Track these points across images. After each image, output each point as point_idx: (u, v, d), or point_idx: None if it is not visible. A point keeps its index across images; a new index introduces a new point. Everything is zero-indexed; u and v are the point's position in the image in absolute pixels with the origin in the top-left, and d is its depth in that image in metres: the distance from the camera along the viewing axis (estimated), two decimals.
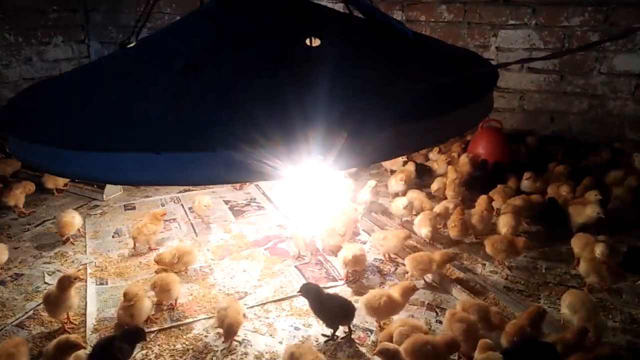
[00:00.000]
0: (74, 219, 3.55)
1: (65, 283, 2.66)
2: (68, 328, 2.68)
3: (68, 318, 2.73)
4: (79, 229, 3.64)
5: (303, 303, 2.82)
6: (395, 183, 4.18)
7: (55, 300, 2.63)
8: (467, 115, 2.19)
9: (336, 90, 1.62)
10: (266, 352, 2.50)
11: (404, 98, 1.84)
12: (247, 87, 1.71)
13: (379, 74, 1.89)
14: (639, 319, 2.74)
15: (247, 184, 4.62)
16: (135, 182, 2.17)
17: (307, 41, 1.93)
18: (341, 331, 2.62)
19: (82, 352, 2.30)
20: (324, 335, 2.62)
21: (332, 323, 2.60)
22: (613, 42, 5.03)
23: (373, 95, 1.75)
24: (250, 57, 1.91)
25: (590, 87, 5.30)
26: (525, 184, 4.17)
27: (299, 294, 2.69)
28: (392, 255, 3.33)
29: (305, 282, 3.02)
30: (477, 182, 4.21)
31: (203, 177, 1.59)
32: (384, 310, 2.62)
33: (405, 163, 4.57)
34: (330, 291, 3.00)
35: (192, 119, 1.54)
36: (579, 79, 5.32)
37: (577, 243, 3.22)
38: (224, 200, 4.32)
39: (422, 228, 3.45)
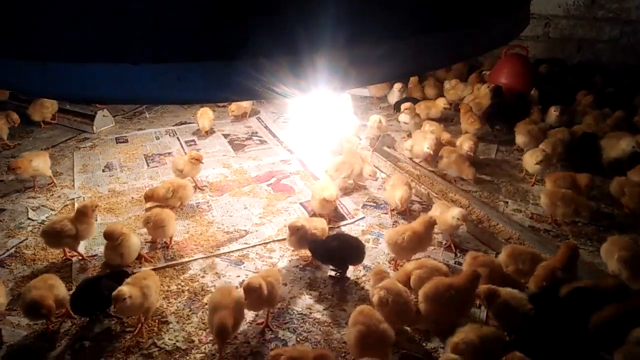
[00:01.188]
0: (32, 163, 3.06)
1: (86, 211, 2.52)
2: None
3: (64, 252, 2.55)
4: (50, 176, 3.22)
5: None
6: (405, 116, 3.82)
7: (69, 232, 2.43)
8: (494, 29, 1.87)
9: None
10: None
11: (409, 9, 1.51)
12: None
13: None
14: None
15: (248, 116, 4.30)
16: (109, 98, 1.87)
17: None
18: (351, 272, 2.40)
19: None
20: (331, 276, 2.39)
21: (342, 264, 2.36)
22: None
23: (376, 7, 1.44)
24: None
25: (624, 11, 4.80)
26: (553, 117, 3.80)
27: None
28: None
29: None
30: (497, 113, 3.84)
31: (190, 93, 1.40)
32: (408, 246, 2.36)
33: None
34: (341, 230, 2.76)
35: (176, 27, 1.26)
36: (612, 3, 4.81)
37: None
38: (223, 134, 4.00)
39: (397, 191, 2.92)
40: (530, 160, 3.13)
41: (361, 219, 2.86)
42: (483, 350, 1.75)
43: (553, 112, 3.79)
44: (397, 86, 4.37)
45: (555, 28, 5.12)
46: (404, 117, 3.82)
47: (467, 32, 1.67)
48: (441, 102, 4.04)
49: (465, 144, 3.31)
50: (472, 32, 1.69)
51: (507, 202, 3.00)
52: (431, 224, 2.39)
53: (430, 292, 2.02)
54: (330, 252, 2.33)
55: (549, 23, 5.11)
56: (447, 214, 2.51)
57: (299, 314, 2.18)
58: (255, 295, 1.98)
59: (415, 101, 4.07)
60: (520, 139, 3.55)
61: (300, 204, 3.02)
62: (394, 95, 4.38)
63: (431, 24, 1.50)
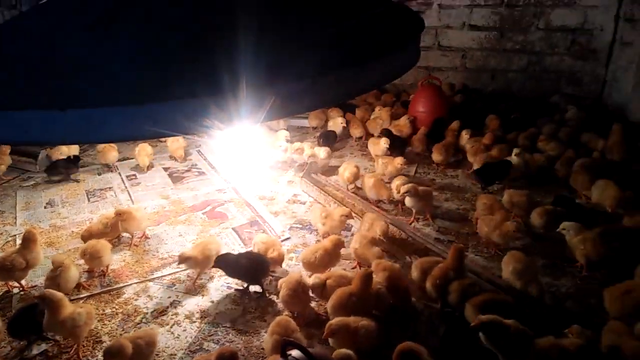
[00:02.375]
0: None
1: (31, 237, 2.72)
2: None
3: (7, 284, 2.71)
4: None
5: None
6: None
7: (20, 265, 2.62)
8: (389, 65, 2.24)
9: (261, 42, 1.61)
10: (197, 312, 2.51)
11: (325, 47, 1.86)
12: (168, 39, 1.68)
13: (300, 26, 1.90)
14: None
15: (189, 155, 4.55)
16: (39, 141, 2.10)
17: None
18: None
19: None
20: (255, 292, 2.65)
21: (250, 279, 2.63)
22: None
23: (295, 46, 1.76)
24: (170, 12, 1.86)
25: (529, 43, 5.39)
26: (464, 139, 4.24)
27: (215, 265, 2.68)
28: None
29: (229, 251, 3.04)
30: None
31: (115, 132, 1.59)
32: (320, 263, 2.66)
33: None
34: None
35: (102, 74, 1.51)
36: (518, 35, 5.40)
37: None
38: (163, 167, 4.24)
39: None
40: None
41: (287, 239, 3.15)
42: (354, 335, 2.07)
43: (464, 135, 4.23)
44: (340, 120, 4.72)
45: (471, 59, 5.66)
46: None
47: (370, 67, 2.04)
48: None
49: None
50: (374, 66, 2.05)
51: (418, 219, 3.35)
52: (339, 243, 2.70)
53: (336, 304, 2.30)
54: (240, 269, 2.59)
55: (465, 55, 5.66)
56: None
57: (223, 326, 2.42)
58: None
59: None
60: (436, 157, 4.05)
61: (233, 229, 3.28)
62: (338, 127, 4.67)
63: (338, 62, 1.83)
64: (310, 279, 2.47)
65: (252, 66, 1.52)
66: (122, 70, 1.53)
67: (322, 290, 2.45)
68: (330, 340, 2.12)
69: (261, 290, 2.63)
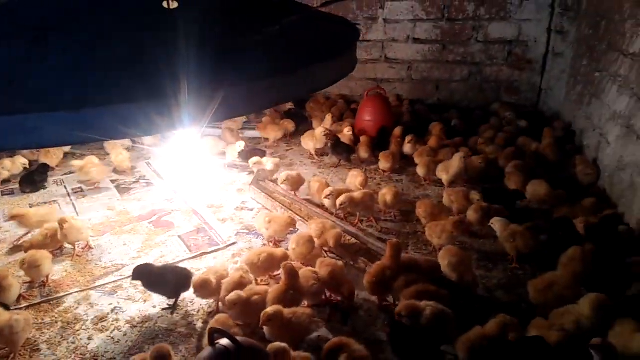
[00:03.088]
0: None
1: None
2: None
3: None
4: None
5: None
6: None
7: None
8: (324, 72, 2.35)
9: (202, 48, 1.68)
10: (138, 317, 2.51)
11: (258, 55, 1.95)
12: (105, 46, 1.72)
13: (238, 32, 1.99)
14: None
15: (136, 168, 4.53)
16: None
17: (165, 4, 1.96)
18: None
19: None
20: (167, 305, 2.61)
21: (174, 293, 2.60)
22: (488, 12, 5.40)
23: (235, 51, 1.85)
24: (108, 21, 1.91)
25: (469, 55, 5.67)
26: (408, 147, 4.40)
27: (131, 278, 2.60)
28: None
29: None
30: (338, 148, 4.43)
31: (50, 138, 1.61)
32: (262, 266, 2.70)
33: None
34: (212, 255, 3.07)
35: (37, 81, 1.54)
36: (459, 48, 5.67)
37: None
38: (111, 180, 4.20)
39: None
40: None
41: (232, 244, 3.19)
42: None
43: (407, 143, 4.40)
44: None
45: (417, 71, 5.89)
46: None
47: (308, 72, 2.14)
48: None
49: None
50: (312, 71, 2.15)
51: (362, 220, 3.45)
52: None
53: (272, 298, 2.36)
54: (161, 282, 2.53)
55: (411, 67, 5.89)
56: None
57: (167, 330, 2.43)
58: None
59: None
60: (383, 165, 4.19)
61: (179, 236, 3.29)
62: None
63: (275, 68, 1.92)
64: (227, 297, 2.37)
65: (192, 71, 1.58)
66: (56, 78, 1.57)
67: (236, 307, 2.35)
68: (265, 331, 2.16)
69: (172, 305, 2.59)
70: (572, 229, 2.94)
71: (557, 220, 3.09)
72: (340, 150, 4.29)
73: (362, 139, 4.49)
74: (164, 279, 2.54)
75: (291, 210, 3.50)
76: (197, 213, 3.58)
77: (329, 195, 3.38)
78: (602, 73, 4.08)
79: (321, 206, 3.59)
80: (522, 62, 5.54)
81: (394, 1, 5.69)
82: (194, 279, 2.50)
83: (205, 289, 2.47)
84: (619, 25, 3.78)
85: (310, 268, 2.61)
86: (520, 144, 4.41)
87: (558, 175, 3.85)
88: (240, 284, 2.47)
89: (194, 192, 3.90)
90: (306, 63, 2.12)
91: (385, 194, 3.38)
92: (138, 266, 2.56)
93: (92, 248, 3.15)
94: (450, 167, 3.79)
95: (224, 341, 1.62)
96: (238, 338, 1.64)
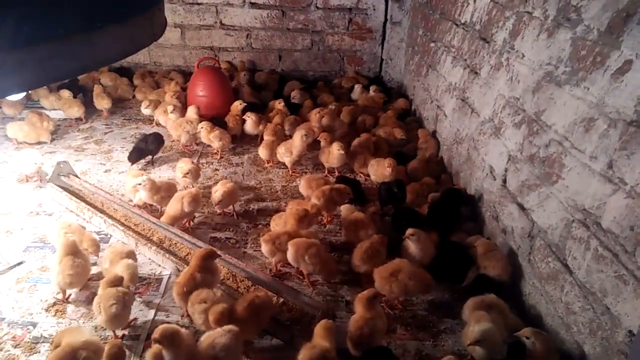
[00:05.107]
0: None
1: None
2: None
3: None
4: None
5: None
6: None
7: None
8: (109, 39, 1.74)
9: None
10: None
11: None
12: None
13: None
14: None
15: None
16: None
17: None
18: None
19: None
20: None
21: None
22: None
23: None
24: None
25: (311, 22, 5.33)
26: (249, 125, 3.96)
27: None
28: None
29: None
30: None
31: None
32: None
33: None
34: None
35: None
36: (300, 15, 5.30)
37: None
38: None
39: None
40: None
41: (19, 264, 2.47)
42: None
43: (248, 120, 3.94)
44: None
45: (256, 39, 5.41)
46: None
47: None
48: None
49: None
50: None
51: (193, 219, 2.95)
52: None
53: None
54: None
55: (250, 35, 5.38)
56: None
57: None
58: None
59: None
60: (216, 144, 3.72)
61: None
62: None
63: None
64: None
65: None
66: None
67: None
68: None
69: None
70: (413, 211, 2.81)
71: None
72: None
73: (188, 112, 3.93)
74: None
75: (104, 213, 2.85)
76: None
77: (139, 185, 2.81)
78: (437, 43, 4.03)
79: (143, 207, 3.00)
80: (362, 30, 5.37)
81: None
82: None
83: None
84: None
85: None
86: (361, 121, 4.22)
87: (402, 150, 3.74)
88: None
89: None
90: (79, 28, 1.54)
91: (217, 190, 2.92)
92: None
93: None
94: (293, 147, 3.44)
95: None
96: None
